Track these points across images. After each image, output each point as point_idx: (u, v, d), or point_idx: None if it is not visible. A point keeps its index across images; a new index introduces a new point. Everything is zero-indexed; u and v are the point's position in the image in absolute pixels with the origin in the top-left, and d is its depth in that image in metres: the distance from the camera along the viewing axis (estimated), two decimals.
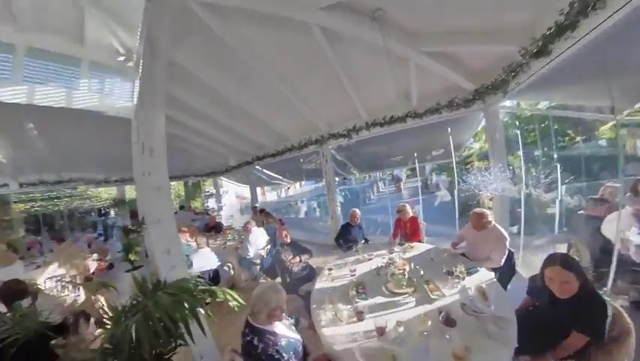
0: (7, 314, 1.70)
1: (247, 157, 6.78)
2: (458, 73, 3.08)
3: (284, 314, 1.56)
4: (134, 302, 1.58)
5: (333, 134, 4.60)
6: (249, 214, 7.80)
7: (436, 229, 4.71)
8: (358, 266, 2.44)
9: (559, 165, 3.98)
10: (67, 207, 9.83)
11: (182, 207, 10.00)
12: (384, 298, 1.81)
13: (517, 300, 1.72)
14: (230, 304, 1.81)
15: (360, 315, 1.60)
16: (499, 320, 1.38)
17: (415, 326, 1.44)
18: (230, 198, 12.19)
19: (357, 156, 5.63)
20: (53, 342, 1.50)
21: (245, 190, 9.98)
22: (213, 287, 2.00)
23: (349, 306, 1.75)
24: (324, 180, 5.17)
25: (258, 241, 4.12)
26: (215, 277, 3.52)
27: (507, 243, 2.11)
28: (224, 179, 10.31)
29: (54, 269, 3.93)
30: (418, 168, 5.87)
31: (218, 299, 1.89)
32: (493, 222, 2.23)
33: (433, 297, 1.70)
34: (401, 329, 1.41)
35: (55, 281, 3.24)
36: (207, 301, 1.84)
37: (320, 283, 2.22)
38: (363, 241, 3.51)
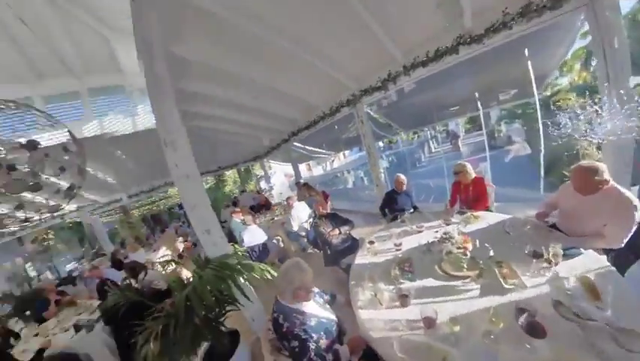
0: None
1: (283, 135, 6.72)
2: None
3: (317, 291, 1.48)
4: (194, 275, 1.94)
5: (365, 90, 3.88)
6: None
7: (510, 192, 3.68)
8: (405, 240, 2.08)
9: None
10: (165, 206, 13.43)
11: (243, 191, 11.23)
12: (436, 281, 1.45)
13: None
14: (268, 276, 2.07)
15: (404, 299, 1.31)
16: (620, 332, 0.86)
17: (478, 324, 1.06)
18: (279, 177, 12.95)
19: (400, 111, 4.73)
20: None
21: (291, 168, 10.31)
22: (252, 262, 2.24)
23: (392, 287, 1.48)
24: (363, 145, 4.63)
25: (301, 214, 4.20)
26: (264, 250, 3.77)
27: (636, 213, 1.33)
28: (270, 161, 10.84)
29: (163, 252, 5.40)
30: (482, 116, 4.52)
31: (254, 273, 2.08)
32: (612, 181, 1.44)
33: (508, 286, 1.23)
34: (457, 328, 1.06)
35: (162, 259, 4.57)
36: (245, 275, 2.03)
37: (360, 258, 2.00)
38: (411, 210, 3.06)
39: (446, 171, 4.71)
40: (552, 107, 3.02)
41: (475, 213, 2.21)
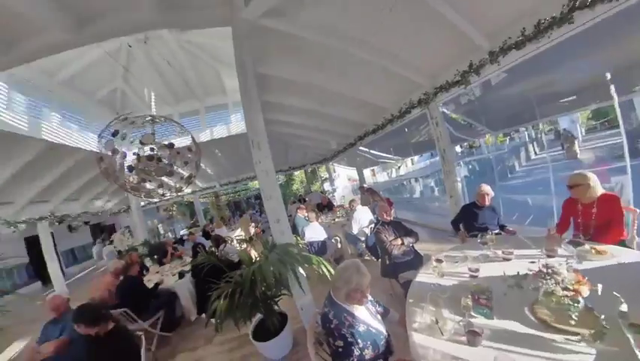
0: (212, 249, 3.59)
1: (349, 139, 6.81)
2: None
3: (370, 299, 1.44)
4: (261, 256, 2.36)
5: (440, 87, 3.38)
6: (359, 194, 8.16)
7: None
8: (484, 266, 1.74)
9: None
10: (245, 195, 17.21)
11: (311, 191, 12.21)
12: (523, 326, 1.15)
13: None
14: (325, 272, 2.20)
15: (473, 337, 1.11)
16: None
17: None
18: (342, 180, 13.22)
19: (485, 108, 3.89)
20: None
21: (355, 172, 10.36)
22: (311, 255, 2.43)
23: (459, 318, 1.28)
24: (437, 150, 4.11)
25: (362, 218, 4.17)
26: (322, 247, 3.96)
27: None
28: (335, 164, 11.21)
29: (239, 232, 6.63)
30: (617, 107, 2.85)
31: (313, 265, 2.26)
32: None
33: None
34: None
35: (236, 238, 5.67)
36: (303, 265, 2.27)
37: (423, 275, 1.81)
38: (496, 230, 2.53)
39: (553, 185, 3.60)
40: None
41: (600, 247, 1.61)
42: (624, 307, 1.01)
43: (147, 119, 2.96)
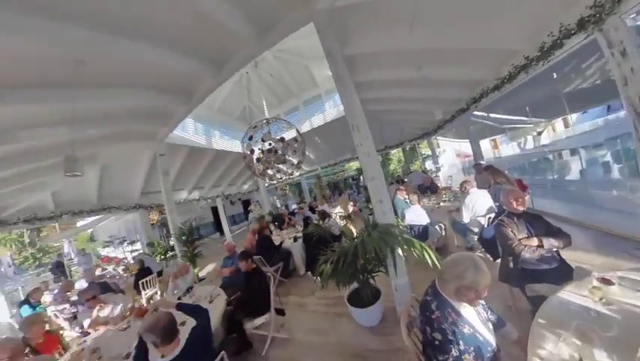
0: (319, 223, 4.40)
1: (459, 104, 5.53)
2: None
3: (482, 303, 1.27)
4: (362, 232, 2.56)
5: None
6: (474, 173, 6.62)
7: None
8: None
9: None
10: (342, 177, 18.88)
11: (411, 171, 11.44)
12: None
13: None
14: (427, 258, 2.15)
15: None
16: None
17: None
18: (448, 157, 11.17)
19: None
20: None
21: (466, 146, 8.39)
22: (413, 238, 2.40)
23: None
24: (622, 99, 2.35)
25: (477, 205, 3.37)
26: (423, 233, 3.65)
27: None
28: (439, 138, 9.57)
29: (338, 209, 7.40)
30: None
31: (413, 249, 2.26)
32: None
33: None
34: None
35: (337, 214, 6.51)
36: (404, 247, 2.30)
37: (570, 295, 1.33)
38: None
39: None
40: None
41: None
42: None
43: (264, 121, 3.79)
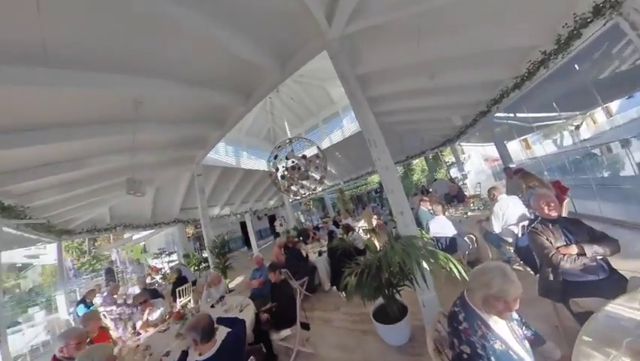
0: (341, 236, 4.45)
1: (479, 107, 5.40)
2: None
3: (517, 318, 1.22)
4: (386, 245, 2.53)
5: None
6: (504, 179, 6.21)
7: None
8: None
9: None
10: (365, 190, 18.88)
11: (436, 179, 11.07)
12: None
13: None
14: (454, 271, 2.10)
15: None
16: None
17: None
18: (474, 163, 10.61)
19: None
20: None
21: (492, 150, 7.97)
22: (437, 251, 2.38)
23: None
24: None
25: (508, 212, 3.15)
26: (451, 245, 3.49)
27: None
28: (462, 144, 9.23)
29: (362, 223, 7.39)
30: None
31: (439, 261, 2.20)
32: None
33: None
34: None
35: (361, 227, 6.49)
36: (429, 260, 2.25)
37: (621, 308, 1.20)
38: None
39: None
40: None
41: None
42: None
43: (286, 141, 4.12)
